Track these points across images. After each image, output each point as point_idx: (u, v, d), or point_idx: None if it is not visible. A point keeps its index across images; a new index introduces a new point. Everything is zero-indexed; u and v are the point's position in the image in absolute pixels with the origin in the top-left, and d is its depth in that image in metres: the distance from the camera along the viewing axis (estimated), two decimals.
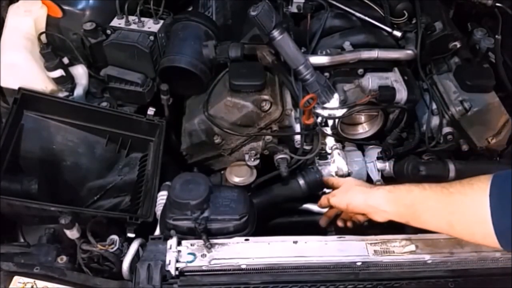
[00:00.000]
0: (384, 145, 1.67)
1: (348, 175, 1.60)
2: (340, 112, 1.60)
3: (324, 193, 1.68)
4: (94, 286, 1.15)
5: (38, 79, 1.59)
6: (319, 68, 1.59)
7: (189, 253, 1.18)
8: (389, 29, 1.72)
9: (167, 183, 1.45)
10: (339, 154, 1.62)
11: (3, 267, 1.13)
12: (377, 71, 1.63)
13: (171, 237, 1.21)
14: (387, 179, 1.67)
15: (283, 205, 1.64)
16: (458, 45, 1.70)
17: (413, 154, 1.65)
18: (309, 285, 1.17)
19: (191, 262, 1.17)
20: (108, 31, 1.64)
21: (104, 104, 1.69)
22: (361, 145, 1.74)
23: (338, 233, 1.53)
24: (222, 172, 1.68)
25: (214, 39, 1.65)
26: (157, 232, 1.31)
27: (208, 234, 1.21)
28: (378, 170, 1.66)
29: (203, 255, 1.18)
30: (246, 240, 1.23)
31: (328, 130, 1.65)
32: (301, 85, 1.55)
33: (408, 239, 1.26)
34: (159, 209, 1.39)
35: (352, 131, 1.73)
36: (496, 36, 1.76)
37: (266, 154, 1.61)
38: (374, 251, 1.23)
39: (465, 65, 1.72)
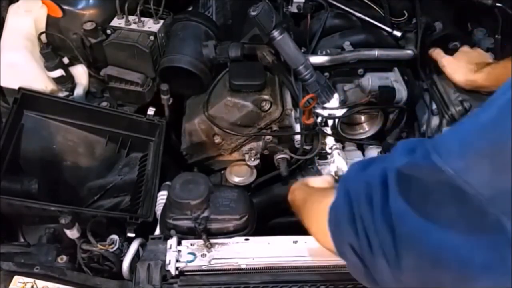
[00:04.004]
0: (384, 145, 1.67)
1: None
2: (340, 112, 1.60)
3: None
4: (94, 286, 1.15)
5: (38, 79, 1.59)
6: (319, 68, 1.59)
7: (189, 253, 1.18)
8: (389, 29, 1.72)
9: (167, 183, 1.45)
10: (339, 154, 1.62)
11: (3, 267, 1.13)
12: (377, 71, 1.63)
13: (171, 237, 1.21)
14: None
15: (283, 205, 1.63)
16: (458, 45, 1.70)
17: None
18: (309, 285, 1.17)
19: (191, 261, 1.17)
20: (108, 31, 1.64)
21: (104, 104, 1.69)
22: (361, 145, 1.74)
23: None
24: (222, 172, 1.68)
25: (214, 39, 1.65)
26: (157, 232, 1.31)
27: (208, 234, 1.21)
28: None
29: (203, 255, 1.18)
30: (246, 240, 1.23)
31: (328, 130, 1.65)
32: (301, 85, 1.55)
33: None
34: (159, 209, 1.38)
35: (352, 131, 1.73)
36: (496, 36, 1.76)
37: (266, 154, 1.61)
38: None
39: None
